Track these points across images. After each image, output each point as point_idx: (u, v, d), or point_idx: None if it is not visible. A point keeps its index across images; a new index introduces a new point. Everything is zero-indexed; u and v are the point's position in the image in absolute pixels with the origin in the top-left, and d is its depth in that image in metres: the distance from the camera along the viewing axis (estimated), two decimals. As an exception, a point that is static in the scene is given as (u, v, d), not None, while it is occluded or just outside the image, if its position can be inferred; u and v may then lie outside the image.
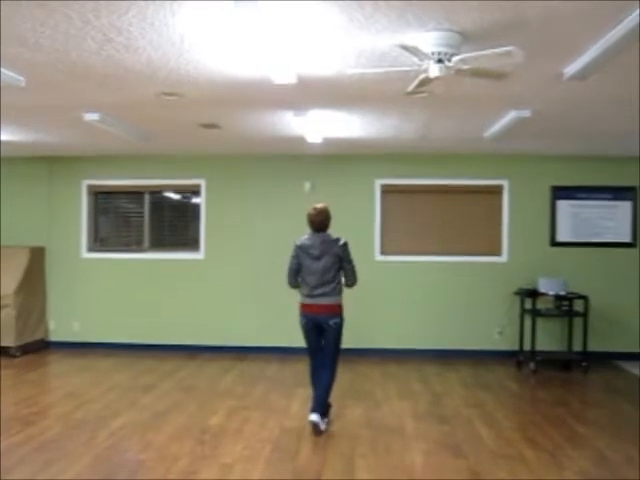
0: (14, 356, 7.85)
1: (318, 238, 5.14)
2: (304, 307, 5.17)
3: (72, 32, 3.63)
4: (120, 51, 3.99)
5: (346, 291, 5.20)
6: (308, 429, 5.01)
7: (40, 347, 8.40)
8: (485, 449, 4.69)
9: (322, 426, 4.96)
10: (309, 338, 5.17)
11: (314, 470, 4.24)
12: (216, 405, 5.81)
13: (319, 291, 5.07)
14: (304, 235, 5.22)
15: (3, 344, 7.88)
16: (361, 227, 8.29)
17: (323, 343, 5.14)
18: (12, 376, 6.94)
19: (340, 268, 5.12)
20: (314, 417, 4.93)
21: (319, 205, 5.23)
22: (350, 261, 5.14)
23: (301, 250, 5.16)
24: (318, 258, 5.08)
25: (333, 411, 5.34)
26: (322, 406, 5.05)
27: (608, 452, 4.65)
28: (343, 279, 5.17)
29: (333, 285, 5.09)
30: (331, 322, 5.06)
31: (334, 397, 5.36)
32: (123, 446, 4.69)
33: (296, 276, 5.23)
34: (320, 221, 5.16)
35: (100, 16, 3.38)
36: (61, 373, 7.40)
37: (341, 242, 5.13)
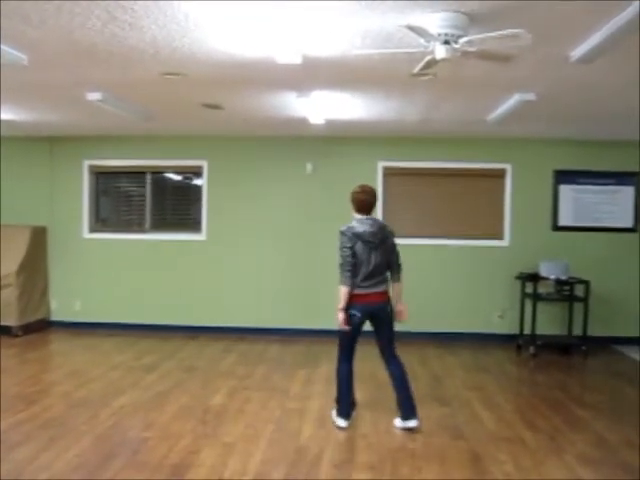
0: (16, 335, 7.88)
1: (376, 223, 4.65)
2: (360, 298, 4.56)
3: (77, 10, 3.61)
4: (124, 29, 3.96)
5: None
6: (310, 410, 5.06)
7: (42, 326, 8.43)
8: (485, 431, 4.72)
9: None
10: (354, 332, 4.62)
11: (315, 450, 4.27)
12: (218, 385, 5.84)
13: (378, 280, 4.60)
14: (352, 222, 4.62)
15: (5, 323, 7.91)
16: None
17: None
18: (15, 355, 6.98)
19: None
20: (413, 423, 4.66)
21: (365, 184, 4.75)
22: (397, 247, 4.72)
23: (359, 238, 4.53)
24: (379, 246, 4.57)
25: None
26: (413, 404, 4.71)
27: (607, 435, 4.68)
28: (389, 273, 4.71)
29: (385, 275, 4.67)
30: (388, 309, 4.67)
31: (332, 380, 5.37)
32: (125, 425, 4.72)
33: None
34: (372, 201, 4.64)
35: (105, -6, 3.36)
36: (63, 352, 7.45)
37: (390, 228, 4.72)
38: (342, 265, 4.55)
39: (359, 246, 4.52)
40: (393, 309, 4.72)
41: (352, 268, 4.51)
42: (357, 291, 4.55)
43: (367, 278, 4.56)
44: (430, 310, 8.25)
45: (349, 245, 4.51)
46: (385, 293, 4.67)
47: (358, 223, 4.60)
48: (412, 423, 4.66)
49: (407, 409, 4.70)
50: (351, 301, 4.54)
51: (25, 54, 4.50)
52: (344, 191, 8.19)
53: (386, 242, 4.64)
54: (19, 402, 5.17)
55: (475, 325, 8.22)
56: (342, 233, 4.57)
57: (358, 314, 4.55)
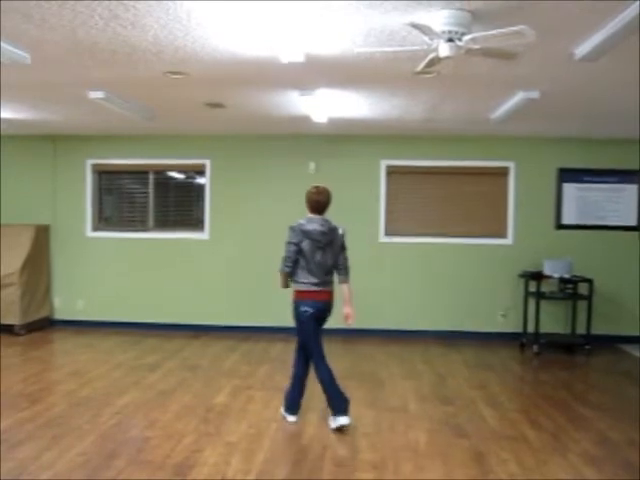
0: (19, 334, 7.89)
1: (326, 224, 4.70)
2: (311, 295, 4.66)
3: (79, 9, 3.60)
4: (127, 28, 3.95)
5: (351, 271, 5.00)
6: (312, 409, 5.05)
7: (45, 325, 8.44)
8: (488, 430, 4.71)
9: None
10: (313, 328, 4.70)
11: (318, 449, 4.27)
12: (221, 384, 5.84)
13: (325, 279, 4.69)
14: (302, 219, 4.72)
15: (8, 322, 7.92)
16: (366, 208, 8.28)
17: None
18: (18, 354, 6.99)
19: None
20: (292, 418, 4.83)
21: (319, 185, 4.80)
22: (346, 251, 4.82)
23: (307, 236, 4.63)
24: (326, 246, 4.66)
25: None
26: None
27: (611, 434, 4.67)
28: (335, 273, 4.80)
29: (332, 275, 4.77)
30: (330, 309, 4.76)
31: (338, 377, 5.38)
32: (128, 423, 4.72)
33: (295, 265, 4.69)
34: (326, 202, 4.72)
35: (107, -8, 3.35)
36: (66, 351, 7.45)
37: (341, 231, 4.78)
38: (284, 259, 4.69)
39: (306, 243, 4.63)
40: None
41: (292, 264, 4.66)
42: (309, 288, 4.65)
43: (314, 276, 4.65)
44: (433, 308, 8.25)
45: (295, 241, 4.64)
46: (332, 293, 4.77)
47: (308, 221, 4.70)
48: (291, 418, 4.81)
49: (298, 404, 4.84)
50: (303, 297, 4.67)
51: (28, 53, 4.49)
52: (347, 190, 8.21)
53: (334, 243, 4.73)
54: (22, 400, 5.18)
55: (478, 323, 8.20)
56: (291, 229, 4.69)
57: (310, 310, 4.64)
